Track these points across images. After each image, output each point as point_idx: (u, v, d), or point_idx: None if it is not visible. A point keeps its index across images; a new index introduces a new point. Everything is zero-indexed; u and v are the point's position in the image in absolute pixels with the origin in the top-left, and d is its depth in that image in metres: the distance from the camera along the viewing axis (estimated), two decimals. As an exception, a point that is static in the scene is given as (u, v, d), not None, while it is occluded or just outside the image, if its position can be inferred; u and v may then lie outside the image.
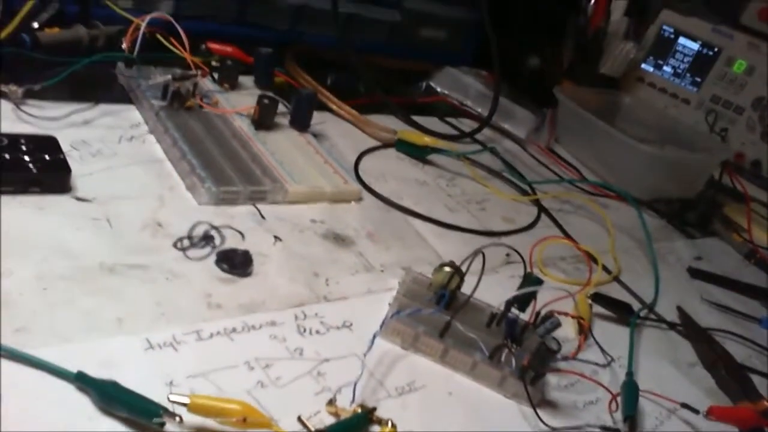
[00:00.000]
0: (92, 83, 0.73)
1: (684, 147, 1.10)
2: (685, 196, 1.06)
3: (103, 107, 0.69)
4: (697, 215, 1.03)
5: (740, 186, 1.06)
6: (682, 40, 1.25)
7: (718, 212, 1.04)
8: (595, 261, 0.76)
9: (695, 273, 0.86)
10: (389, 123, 0.92)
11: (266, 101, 0.74)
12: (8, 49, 0.71)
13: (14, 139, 0.56)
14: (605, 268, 0.77)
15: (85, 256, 0.50)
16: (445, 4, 1.22)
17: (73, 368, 0.40)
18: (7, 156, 0.54)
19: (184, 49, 0.80)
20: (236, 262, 0.54)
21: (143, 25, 0.76)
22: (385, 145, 0.87)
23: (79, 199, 0.55)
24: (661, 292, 0.76)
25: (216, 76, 0.82)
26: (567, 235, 0.82)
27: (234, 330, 0.48)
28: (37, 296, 0.45)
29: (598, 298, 0.68)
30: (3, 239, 0.48)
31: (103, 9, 0.84)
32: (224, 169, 0.65)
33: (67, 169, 0.55)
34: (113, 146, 0.64)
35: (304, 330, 0.51)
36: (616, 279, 0.76)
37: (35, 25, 0.76)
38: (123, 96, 0.73)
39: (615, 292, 0.73)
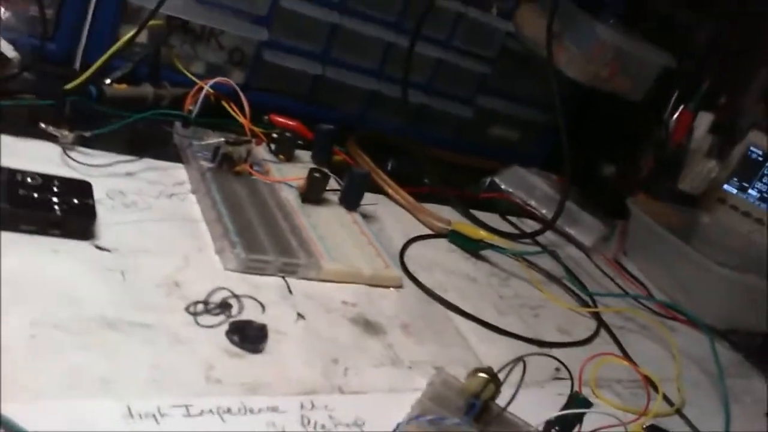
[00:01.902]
0: (147, 139, 0.72)
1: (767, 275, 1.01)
2: (765, 331, 0.96)
3: (151, 162, 0.68)
4: (779, 353, 0.93)
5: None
6: (770, 162, 1.18)
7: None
8: (656, 389, 0.68)
9: (774, 419, 0.75)
10: (447, 214, 0.88)
11: (317, 174, 0.72)
12: (72, 98, 0.72)
13: (48, 180, 0.54)
14: (666, 398, 0.68)
15: (88, 307, 0.46)
16: (519, 104, 1.20)
17: (35, 427, 0.35)
18: (35, 195, 0.52)
19: (245, 115, 0.79)
20: (249, 336, 0.50)
21: (206, 87, 0.76)
22: (438, 235, 0.83)
23: (98, 247, 0.53)
24: (731, 434, 0.66)
25: (273, 147, 0.81)
26: (626, 356, 0.74)
27: (229, 410, 0.43)
28: (23, 343, 0.41)
29: (654, 430, 0.59)
30: (8, 280, 0.45)
31: (177, 75, 0.85)
32: (259, 237, 0.62)
33: (91, 215, 0.53)
34: (150, 200, 0.62)
35: (309, 422, 0.45)
36: (679, 412, 0.67)
37: (107, 81, 0.78)
38: (174, 155, 0.72)
39: (676, 426, 0.64)
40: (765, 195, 1.18)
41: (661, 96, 1.17)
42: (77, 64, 0.83)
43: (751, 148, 1.20)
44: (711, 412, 0.69)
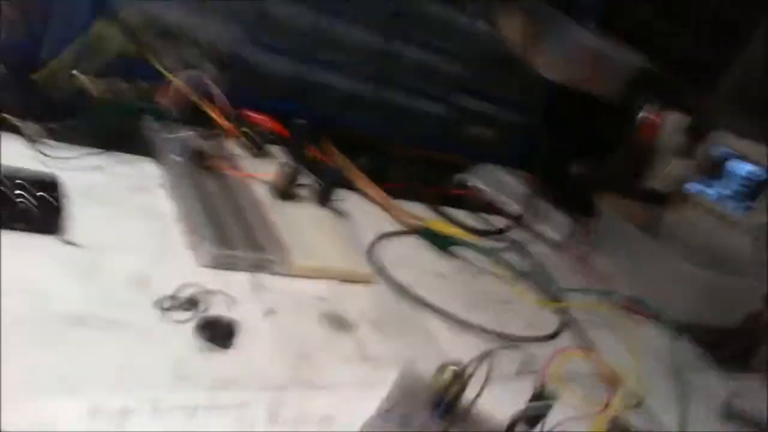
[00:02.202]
0: (118, 133, 0.71)
1: (729, 272, 1.03)
2: (726, 326, 0.98)
3: (121, 156, 0.68)
4: (737, 348, 0.95)
5: (788, 322, 0.98)
6: (734, 162, 1.20)
7: (760, 348, 0.96)
8: (619, 382, 0.69)
9: (730, 413, 0.77)
10: (418, 211, 0.89)
11: (287, 168, 0.72)
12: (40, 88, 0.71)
13: (12, 174, 0.54)
14: (629, 392, 0.69)
15: (54, 303, 0.46)
16: (495, 104, 1.21)
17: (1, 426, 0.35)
18: None
19: (218, 110, 0.79)
20: (218, 332, 0.50)
21: (179, 81, 0.75)
22: (409, 231, 0.83)
23: (66, 242, 0.52)
24: (688, 428, 0.68)
25: (245, 141, 0.80)
26: (592, 350, 0.75)
27: (197, 406, 0.43)
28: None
29: (617, 424, 0.61)
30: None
31: (150, 69, 0.84)
32: (230, 233, 0.62)
33: (57, 210, 0.53)
34: (120, 195, 0.62)
35: (277, 417, 0.45)
36: (640, 405, 0.69)
37: (73, 72, 0.77)
38: (145, 150, 0.72)
39: (637, 419, 0.65)
40: (728, 193, 1.21)
41: (632, 96, 1.19)
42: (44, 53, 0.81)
43: (716, 147, 1.22)
44: (670, 404, 0.71)
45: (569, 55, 1.04)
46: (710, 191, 1.23)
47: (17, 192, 0.52)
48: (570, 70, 1.06)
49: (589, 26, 1.12)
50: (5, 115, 0.63)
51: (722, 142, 1.22)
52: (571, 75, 1.07)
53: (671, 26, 1.40)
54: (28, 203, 0.51)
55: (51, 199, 0.53)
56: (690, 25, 1.41)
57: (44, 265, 0.49)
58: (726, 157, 1.21)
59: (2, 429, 0.34)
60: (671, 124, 1.22)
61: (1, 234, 0.49)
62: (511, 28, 1.08)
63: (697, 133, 1.25)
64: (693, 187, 1.24)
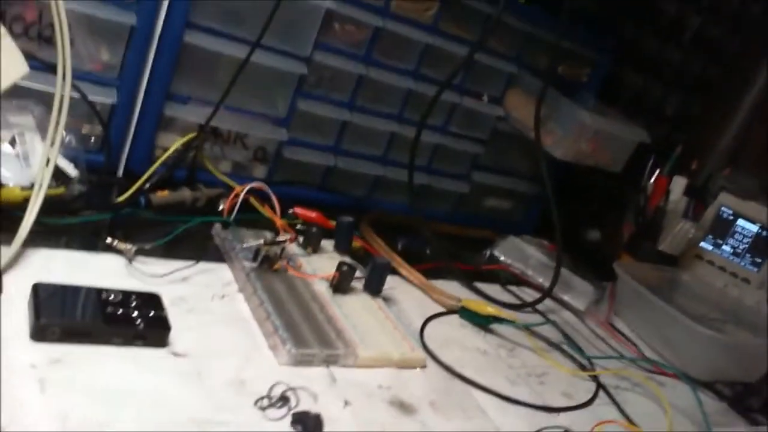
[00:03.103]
0: (191, 242, 0.81)
1: (745, 328, 1.11)
2: (748, 379, 1.05)
3: (200, 265, 0.77)
4: (761, 400, 1.02)
5: (805, 372, 1.06)
6: (741, 221, 1.29)
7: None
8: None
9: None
10: (453, 288, 0.98)
11: (345, 268, 0.81)
12: (126, 210, 0.81)
13: (126, 295, 0.63)
14: (663, 454, 0.77)
15: (180, 411, 0.55)
16: (510, 177, 1.32)
17: None
18: (120, 311, 0.61)
19: (274, 212, 0.89)
20: (309, 425, 0.59)
21: (243, 192, 0.85)
22: (450, 311, 0.92)
23: (175, 354, 0.61)
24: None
25: (301, 240, 0.90)
26: (624, 415, 0.83)
27: (305, 494, 0.51)
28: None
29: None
30: (104, 390, 0.54)
31: (206, 173, 0.95)
32: (303, 331, 0.71)
33: (167, 327, 0.62)
34: (206, 304, 0.71)
35: (369, 499, 0.54)
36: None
37: (147, 185, 0.87)
38: (217, 256, 0.81)
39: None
40: (737, 250, 1.30)
41: (638, 164, 1.28)
42: (120, 172, 0.92)
43: (723, 209, 1.32)
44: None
45: (573, 134, 1.14)
46: (719, 249, 1.31)
47: (134, 313, 0.61)
48: (575, 149, 1.16)
49: (589, 102, 1.23)
50: (108, 238, 0.73)
51: (726, 203, 1.31)
52: (576, 153, 1.16)
53: (665, 88, 1.51)
54: (144, 322, 0.61)
55: (159, 317, 0.63)
56: (682, 87, 1.52)
57: (163, 376, 0.58)
58: (733, 217, 1.30)
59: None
60: (678, 187, 1.31)
61: (125, 351, 0.59)
62: (520, 110, 1.19)
63: (701, 195, 1.34)
64: (704, 245, 1.33)
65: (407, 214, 1.11)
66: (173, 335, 0.63)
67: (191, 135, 0.90)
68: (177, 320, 0.65)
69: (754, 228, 1.29)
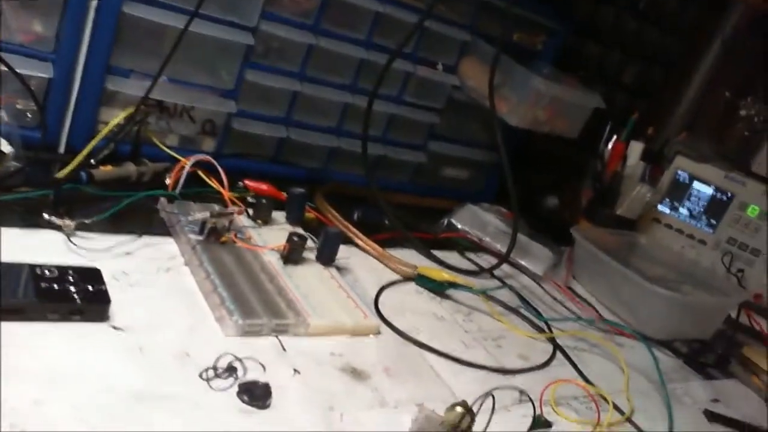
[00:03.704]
0: (136, 216, 0.79)
1: (701, 287, 1.13)
2: (703, 337, 1.07)
3: (144, 239, 0.75)
4: (715, 356, 1.04)
5: (758, 326, 1.07)
6: (696, 184, 1.31)
7: (736, 353, 1.05)
8: (606, 401, 0.77)
9: (712, 416, 0.85)
10: (410, 257, 0.97)
11: (296, 239, 0.80)
12: (67, 185, 0.78)
13: (63, 271, 0.61)
14: (618, 409, 0.78)
15: (120, 386, 0.53)
16: (467, 146, 1.31)
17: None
18: (56, 286, 0.59)
19: (222, 185, 0.87)
20: (256, 394, 0.57)
21: (188, 165, 0.83)
22: (406, 279, 0.91)
23: (115, 328, 0.60)
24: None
25: (250, 212, 0.88)
26: (581, 375, 0.83)
27: (250, 462, 0.50)
28: (74, 426, 0.48)
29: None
30: (41, 368, 0.52)
31: (152, 148, 0.93)
32: (251, 302, 0.70)
33: (107, 300, 0.60)
34: (151, 277, 0.69)
35: (317, 465, 0.53)
36: (629, 420, 0.77)
37: (92, 161, 0.85)
38: (163, 229, 0.79)
39: (629, 433, 0.74)
40: (694, 213, 1.31)
41: (595, 130, 1.29)
42: (62, 149, 0.89)
43: (679, 172, 1.33)
44: (657, 415, 0.80)
45: (528, 101, 1.13)
46: (677, 212, 1.33)
47: (71, 288, 0.59)
48: (531, 116, 1.15)
49: (544, 70, 1.22)
50: (45, 214, 0.70)
51: (683, 168, 1.32)
52: (532, 120, 1.16)
53: (623, 58, 1.51)
54: (82, 297, 0.59)
55: (99, 291, 0.61)
56: (640, 57, 1.53)
57: (103, 351, 0.56)
58: (689, 181, 1.31)
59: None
60: (634, 152, 1.32)
61: (63, 326, 0.57)
62: (475, 78, 1.18)
63: (658, 160, 1.35)
64: (661, 209, 1.34)
65: (364, 186, 1.09)
66: (114, 310, 0.61)
67: (131, 109, 0.87)
68: (118, 294, 0.64)
69: (709, 190, 1.30)
